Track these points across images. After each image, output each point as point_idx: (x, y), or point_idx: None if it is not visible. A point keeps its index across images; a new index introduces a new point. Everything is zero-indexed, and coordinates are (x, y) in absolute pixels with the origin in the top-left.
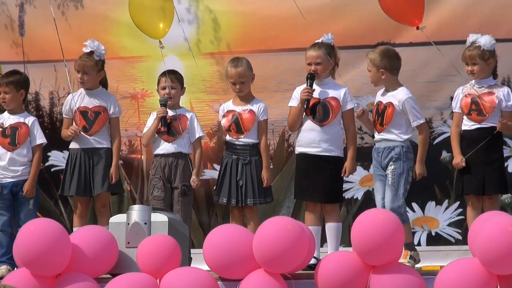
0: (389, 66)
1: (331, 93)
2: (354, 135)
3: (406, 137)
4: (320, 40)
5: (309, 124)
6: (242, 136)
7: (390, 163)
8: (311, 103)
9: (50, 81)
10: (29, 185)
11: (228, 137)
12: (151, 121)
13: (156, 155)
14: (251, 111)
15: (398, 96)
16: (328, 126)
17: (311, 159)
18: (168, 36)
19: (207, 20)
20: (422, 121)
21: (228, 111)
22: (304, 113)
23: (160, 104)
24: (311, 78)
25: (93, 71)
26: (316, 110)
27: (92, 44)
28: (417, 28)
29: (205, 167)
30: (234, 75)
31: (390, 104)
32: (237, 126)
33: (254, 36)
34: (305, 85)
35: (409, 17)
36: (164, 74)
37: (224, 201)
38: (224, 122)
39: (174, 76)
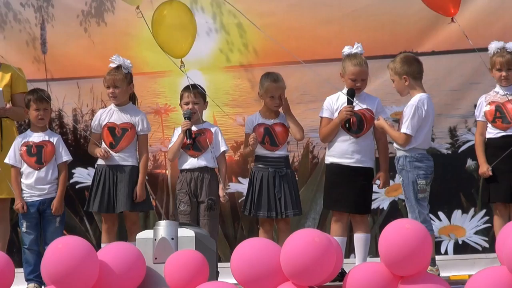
0: (410, 71)
1: (365, 104)
2: (386, 146)
3: (410, 146)
4: (353, 52)
5: (342, 135)
6: (278, 150)
7: (399, 175)
8: None
9: (73, 98)
10: (57, 202)
11: (261, 150)
12: (175, 136)
13: (182, 170)
14: (282, 124)
15: (408, 104)
16: (362, 138)
17: (343, 169)
18: (197, 49)
19: (231, 27)
20: (402, 131)
21: (259, 125)
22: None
23: (184, 117)
24: (352, 95)
25: (123, 84)
26: (351, 122)
27: (118, 58)
28: (452, 20)
29: (230, 181)
30: (275, 89)
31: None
32: (271, 139)
33: (276, 48)
34: (335, 96)
35: (446, 6)
36: (186, 89)
37: (261, 214)
38: (257, 134)
39: (196, 91)
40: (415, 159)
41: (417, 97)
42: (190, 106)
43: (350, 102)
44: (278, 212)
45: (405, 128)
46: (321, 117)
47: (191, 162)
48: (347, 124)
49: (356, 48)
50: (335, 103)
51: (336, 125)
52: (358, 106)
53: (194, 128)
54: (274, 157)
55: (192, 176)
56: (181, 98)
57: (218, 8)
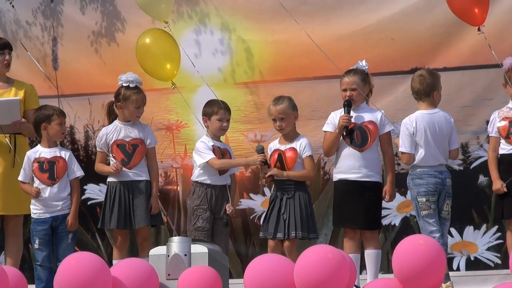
0: (411, 89)
1: (368, 117)
2: (392, 159)
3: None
4: (354, 67)
5: (348, 149)
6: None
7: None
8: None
9: (84, 115)
10: (72, 218)
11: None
12: (208, 148)
13: (202, 184)
14: (293, 149)
15: None
16: (367, 151)
17: (350, 185)
18: (202, 67)
19: (240, 50)
20: (400, 150)
21: (275, 150)
22: (343, 139)
23: (258, 153)
24: (348, 105)
25: None
26: (354, 135)
27: (138, 78)
28: (478, 29)
29: (241, 197)
30: (274, 112)
31: None
32: (281, 164)
33: (287, 65)
34: (340, 111)
35: (474, 16)
36: (220, 105)
37: (262, 235)
38: (271, 161)
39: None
40: (416, 176)
41: (410, 115)
42: (225, 123)
43: (347, 112)
44: (285, 233)
45: (399, 147)
46: (325, 132)
47: (216, 178)
48: (346, 133)
49: (357, 64)
50: (338, 117)
51: (335, 136)
52: (360, 119)
53: (219, 145)
54: (282, 180)
55: (213, 193)
56: (211, 113)
57: (227, 29)
